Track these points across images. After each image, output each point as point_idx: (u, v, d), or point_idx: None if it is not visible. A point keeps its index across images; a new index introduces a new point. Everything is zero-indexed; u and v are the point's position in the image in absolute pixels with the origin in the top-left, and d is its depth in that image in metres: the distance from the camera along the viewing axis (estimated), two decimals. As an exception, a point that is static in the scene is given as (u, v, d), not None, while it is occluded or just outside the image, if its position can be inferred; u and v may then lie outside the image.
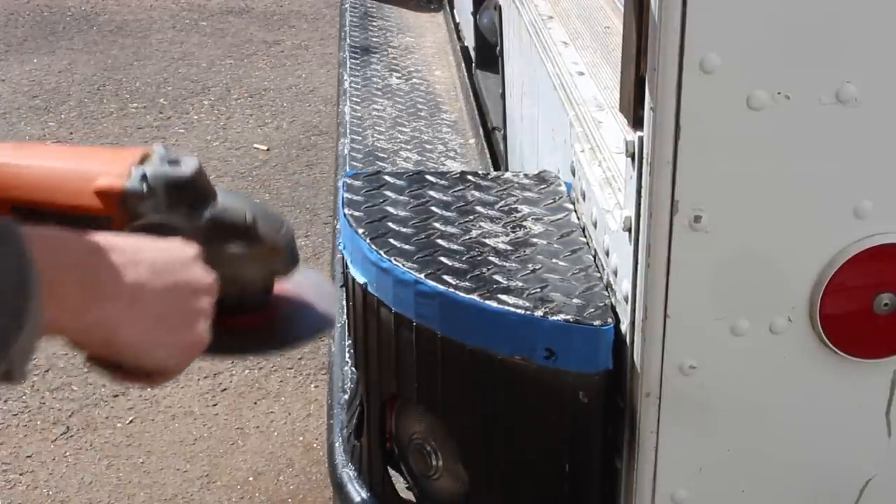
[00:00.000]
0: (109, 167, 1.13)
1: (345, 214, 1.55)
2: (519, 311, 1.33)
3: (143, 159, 1.13)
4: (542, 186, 1.65)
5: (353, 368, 1.71)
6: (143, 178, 1.10)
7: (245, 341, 1.20)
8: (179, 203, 1.11)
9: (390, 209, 1.56)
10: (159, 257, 0.99)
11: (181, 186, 1.11)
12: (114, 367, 0.98)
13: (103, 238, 0.96)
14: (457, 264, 1.42)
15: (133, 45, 5.79)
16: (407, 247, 1.46)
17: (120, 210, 1.11)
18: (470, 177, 1.67)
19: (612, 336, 1.32)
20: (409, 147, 2.65)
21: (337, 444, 1.72)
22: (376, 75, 3.10)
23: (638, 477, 1.32)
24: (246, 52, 5.75)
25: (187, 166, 1.12)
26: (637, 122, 1.21)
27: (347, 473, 1.66)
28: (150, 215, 1.10)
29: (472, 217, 1.55)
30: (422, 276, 1.39)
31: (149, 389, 3.13)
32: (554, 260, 1.44)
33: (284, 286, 1.21)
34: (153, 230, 1.07)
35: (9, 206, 1.14)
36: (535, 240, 1.50)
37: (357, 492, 1.62)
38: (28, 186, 1.14)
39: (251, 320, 1.19)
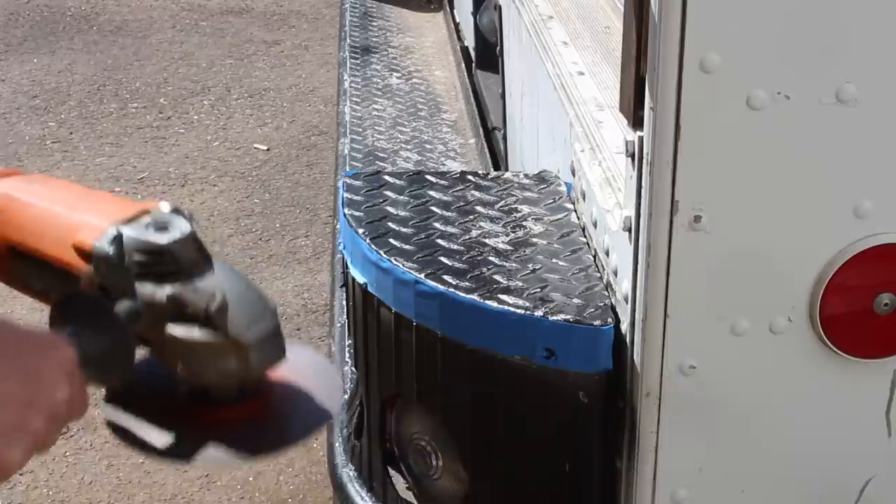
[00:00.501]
0: (96, 220, 1.06)
1: (345, 214, 1.55)
2: (519, 310, 1.33)
3: (136, 217, 1.05)
4: (542, 186, 1.65)
5: (353, 368, 1.71)
6: (116, 239, 1.03)
7: (215, 441, 1.05)
8: (148, 273, 1.03)
9: (390, 209, 1.56)
10: None
11: (154, 255, 1.03)
12: None
13: None
14: (457, 264, 1.42)
15: (133, 45, 5.79)
16: (407, 247, 1.46)
17: (89, 270, 1.04)
18: (470, 177, 1.67)
19: (612, 336, 1.32)
20: (409, 147, 2.65)
21: (337, 444, 1.72)
22: (376, 75, 3.10)
23: (638, 477, 1.32)
24: (246, 52, 5.75)
25: (170, 234, 1.03)
26: (637, 122, 1.21)
27: (347, 473, 1.66)
28: (113, 281, 1.02)
29: (472, 217, 1.55)
30: (422, 275, 1.39)
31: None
32: (554, 260, 1.44)
33: (275, 372, 1.09)
34: (84, 304, 1.00)
35: (6, 245, 1.11)
36: (535, 240, 1.50)
37: (357, 492, 1.62)
38: (23, 228, 1.10)
39: (223, 415, 1.06)
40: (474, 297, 1.35)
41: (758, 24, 1.10)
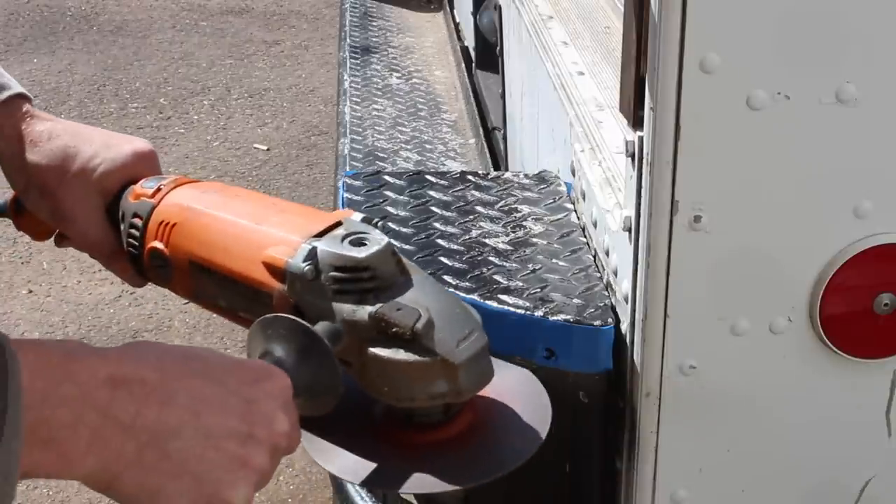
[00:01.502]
0: (285, 235, 0.98)
1: (345, 214, 1.55)
2: (519, 311, 1.33)
3: (328, 230, 0.98)
4: (542, 186, 1.65)
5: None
6: (311, 255, 0.96)
7: (421, 467, 0.97)
8: (347, 291, 0.95)
9: (390, 209, 1.56)
10: (208, 389, 0.80)
11: (352, 271, 0.95)
12: None
13: (143, 356, 0.79)
14: (457, 264, 1.42)
15: (133, 45, 5.79)
16: (407, 247, 1.46)
17: (281, 288, 0.97)
18: (470, 177, 1.67)
19: (612, 336, 1.32)
20: (409, 147, 2.65)
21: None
22: (376, 75, 3.10)
23: (638, 477, 1.31)
24: (246, 52, 5.75)
25: (367, 248, 0.96)
26: (637, 122, 1.21)
27: (347, 473, 1.66)
28: (310, 300, 0.95)
29: (472, 217, 1.55)
30: (422, 276, 1.39)
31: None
32: (554, 260, 1.44)
33: (492, 388, 1.01)
34: (287, 328, 0.91)
35: (187, 259, 1.05)
36: (535, 240, 1.50)
37: (357, 492, 1.62)
38: (206, 242, 1.03)
39: (427, 439, 0.99)
40: (474, 297, 1.35)
41: (758, 24, 1.10)
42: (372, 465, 0.98)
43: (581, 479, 1.40)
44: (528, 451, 1.02)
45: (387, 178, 1.65)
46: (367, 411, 1.03)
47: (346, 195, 1.60)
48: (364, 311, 0.95)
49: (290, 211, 1.05)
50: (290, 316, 0.92)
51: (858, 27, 1.11)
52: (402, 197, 1.59)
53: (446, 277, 1.39)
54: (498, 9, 2.56)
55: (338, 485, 1.67)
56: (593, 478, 1.40)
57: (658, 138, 1.15)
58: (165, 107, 5.10)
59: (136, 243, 1.12)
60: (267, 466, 0.83)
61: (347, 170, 2.50)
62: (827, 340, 1.24)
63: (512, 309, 1.33)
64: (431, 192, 1.61)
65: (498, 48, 2.61)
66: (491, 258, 1.44)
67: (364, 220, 1.01)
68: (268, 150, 4.72)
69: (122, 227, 1.13)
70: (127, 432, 0.76)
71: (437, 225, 1.52)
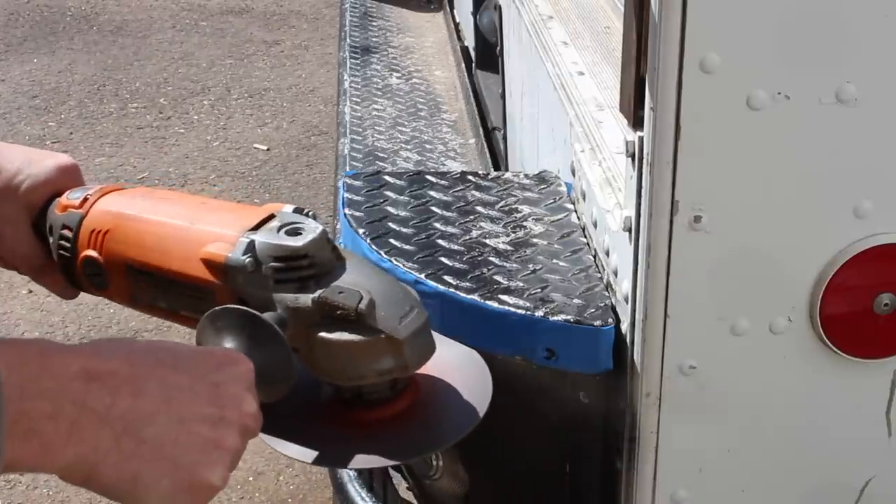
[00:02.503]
0: (221, 231, 1.01)
1: (345, 214, 1.55)
2: (519, 311, 1.33)
3: (262, 223, 1.01)
4: (543, 186, 1.65)
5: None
6: (250, 248, 0.99)
7: (361, 444, 1.01)
8: (288, 280, 0.98)
9: (391, 209, 1.56)
10: (176, 377, 0.83)
11: (291, 260, 0.98)
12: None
13: (110, 351, 0.82)
14: (457, 265, 1.42)
15: (133, 45, 5.80)
16: (407, 247, 1.46)
17: (223, 283, 0.99)
18: (470, 177, 1.67)
19: (612, 336, 1.32)
20: (409, 147, 2.65)
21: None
22: (376, 75, 3.10)
23: (638, 477, 1.32)
24: (246, 52, 5.75)
25: (304, 237, 0.99)
26: (637, 122, 1.21)
27: (347, 473, 1.66)
28: (252, 292, 0.98)
29: (472, 217, 1.55)
30: (422, 276, 1.39)
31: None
32: (554, 260, 1.44)
33: (431, 367, 1.05)
34: (236, 318, 0.94)
35: (123, 264, 1.07)
36: (535, 240, 1.50)
37: (357, 492, 1.62)
38: (141, 245, 1.05)
39: (371, 416, 1.03)
40: (475, 297, 1.35)
41: (758, 24, 1.10)
42: (322, 447, 1.02)
43: (581, 479, 1.40)
44: (468, 425, 1.05)
45: (387, 178, 1.65)
46: (314, 395, 1.06)
47: (346, 195, 1.60)
48: (307, 298, 0.98)
49: (222, 208, 1.08)
50: (239, 307, 0.95)
51: (858, 27, 1.11)
52: (402, 197, 1.59)
53: (446, 278, 1.39)
54: (498, 9, 2.56)
55: (338, 485, 1.67)
56: (593, 478, 1.40)
57: (658, 138, 1.15)
58: (165, 107, 5.10)
59: (68, 254, 1.12)
60: (239, 446, 0.86)
61: (347, 170, 2.50)
62: (827, 340, 1.24)
63: (512, 309, 1.33)
64: (432, 193, 1.61)
65: (498, 48, 2.61)
66: (491, 258, 1.44)
67: (296, 211, 1.04)
68: (268, 150, 4.72)
69: (51, 240, 1.14)
70: (103, 422, 0.78)
71: (437, 225, 1.52)
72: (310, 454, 1.01)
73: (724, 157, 1.15)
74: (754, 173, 1.17)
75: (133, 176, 4.39)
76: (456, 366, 1.10)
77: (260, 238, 0.99)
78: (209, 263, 1.01)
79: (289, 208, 1.04)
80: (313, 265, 0.99)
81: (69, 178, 1.17)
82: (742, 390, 1.27)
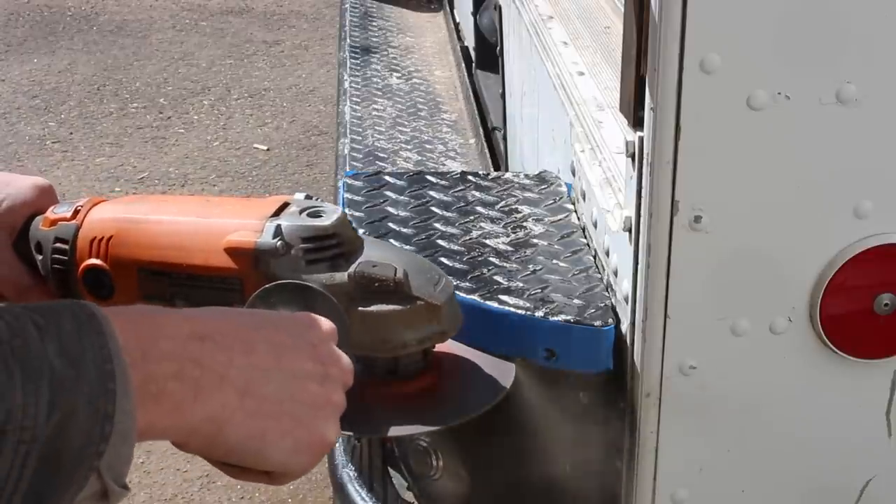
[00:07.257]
0: (242, 221, 1.02)
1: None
2: (519, 311, 1.33)
3: (280, 210, 1.03)
4: (543, 187, 1.65)
5: (354, 368, 1.70)
6: (278, 232, 1.00)
7: (400, 414, 1.05)
8: (319, 259, 1.00)
9: (391, 209, 1.56)
10: (279, 336, 0.84)
11: (321, 240, 1.00)
12: (226, 463, 0.82)
13: (209, 314, 0.83)
14: (457, 265, 1.42)
15: (133, 45, 5.79)
16: (407, 247, 1.46)
17: (252, 270, 1.00)
18: (470, 177, 1.67)
19: (612, 336, 1.32)
20: (409, 147, 2.65)
21: (337, 444, 1.72)
22: (376, 75, 3.10)
23: (638, 477, 1.32)
24: (246, 52, 5.75)
25: (328, 217, 1.01)
26: (637, 122, 1.21)
27: (347, 473, 1.66)
28: (285, 275, 0.99)
29: (472, 217, 1.55)
30: (422, 276, 1.39)
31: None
32: (554, 261, 1.44)
33: (447, 347, 1.09)
34: (289, 292, 0.96)
35: (134, 268, 1.06)
36: (535, 240, 1.50)
37: (357, 492, 1.62)
38: (154, 246, 1.05)
39: (407, 388, 1.07)
40: (475, 297, 1.35)
41: (758, 24, 1.10)
42: (362, 417, 1.03)
43: (581, 479, 1.40)
44: (492, 398, 1.10)
45: (387, 178, 1.65)
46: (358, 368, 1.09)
47: (346, 195, 1.60)
48: (342, 275, 1.00)
49: (230, 202, 1.10)
50: (288, 280, 0.97)
51: (858, 27, 1.12)
52: (402, 197, 1.59)
53: (446, 278, 1.39)
54: (498, 9, 2.56)
55: (338, 485, 1.67)
56: (593, 478, 1.40)
57: (658, 138, 1.15)
58: (165, 107, 5.10)
59: (64, 268, 1.11)
60: (343, 402, 0.87)
61: (347, 170, 2.50)
62: (827, 341, 1.24)
63: (512, 309, 1.33)
64: (432, 193, 1.61)
65: (498, 48, 2.61)
66: (491, 259, 1.44)
67: (307, 198, 1.06)
68: (268, 150, 4.72)
69: (39, 258, 1.12)
70: (224, 381, 0.78)
71: (437, 225, 1.52)
72: (350, 424, 1.02)
73: (725, 157, 1.15)
74: (754, 173, 1.17)
75: (133, 176, 4.39)
76: (467, 350, 1.14)
77: (286, 222, 1.01)
78: (236, 252, 1.01)
79: (300, 195, 1.06)
80: (341, 243, 1.01)
81: (47, 198, 1.15)
82: (742, 390, 1.27)
